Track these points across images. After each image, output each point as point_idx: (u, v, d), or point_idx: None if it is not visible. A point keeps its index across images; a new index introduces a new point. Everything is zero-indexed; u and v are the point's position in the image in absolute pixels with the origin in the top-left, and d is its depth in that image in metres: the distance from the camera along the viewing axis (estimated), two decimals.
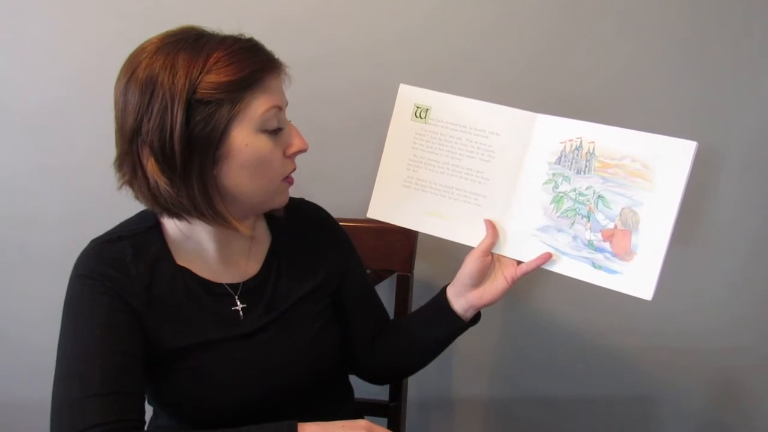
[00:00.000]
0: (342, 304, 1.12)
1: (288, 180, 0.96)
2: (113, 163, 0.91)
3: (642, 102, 1.40)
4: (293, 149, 0.95)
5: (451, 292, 1.06)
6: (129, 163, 0.88)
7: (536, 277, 1.48)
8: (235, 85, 0.85)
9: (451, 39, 1.38)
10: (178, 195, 0.87)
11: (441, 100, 1.04)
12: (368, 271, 1.27)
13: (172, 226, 0.97)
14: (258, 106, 0.88)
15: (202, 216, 0.90)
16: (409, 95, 1.06)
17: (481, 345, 1.60)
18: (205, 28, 0.90)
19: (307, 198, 1.15)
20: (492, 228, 1.01)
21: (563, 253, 0.98)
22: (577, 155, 0.97)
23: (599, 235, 0.96)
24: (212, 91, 0.84)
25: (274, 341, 1.01)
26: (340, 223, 1.16)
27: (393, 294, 1.38)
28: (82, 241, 0.97)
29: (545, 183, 0.99)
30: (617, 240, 0.94)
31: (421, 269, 1.45)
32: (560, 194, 0.98)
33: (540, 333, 1.58)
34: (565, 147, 0.98)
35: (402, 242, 1.34)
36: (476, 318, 1.08)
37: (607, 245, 0.95)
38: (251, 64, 0.87)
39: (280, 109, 0.91)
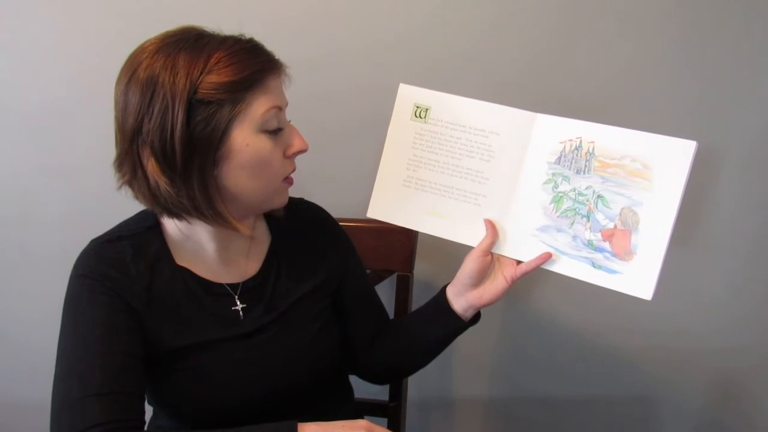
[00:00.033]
0: (342, 304, 1.12)
1: (288, 180, 0.97)
2: (113, 163, 0.91)
3: (642, 102, 1.40)
4: (293, 149, 0.95)
5: (450, 292, 1.06)
6: (129, 163, 0.88)
7: (536, 277, 1.48)
8: (235, 86, 0.85)
9: (451, 39, 1.38)
10: (179, 195, 0.87)
11: (441, 100, 1.04)
12: (368, 271, 1.27)
13: (171, 226, 0.97)
14: (258, 107, 0.88)
15: (203, 216, 0.90)
16: (408, 95, 1.06)
17: (481, 345, 1.60)
18: (205, 29, 0.90)
19: (307, 198, 1.15)
20: (492, 228, 1.01)
21: (563, 253, 0.98)
22: (577, 155, 0.97)
23: (599, 235, 0.96)
24: (213, 92, 0.84)
25: (274, 341, 1.01)
26: (340, 223, 1.16)
27: (393, 294, 1.38)
28: (82, 241, 0.97)
29: (545, 183, 0.99)
30: (617, 240, 0.95)
31: (421, 269, 1.45)
32: (560, 194, 0.98)
33: (540, 333, 1.58)
34: (564, 147, 0.98)
35: (402, 242, 1.34)
36: (476, 318, 1.08)
37: (606, 245, 0.95)
38: (252, 65, 0.87)
39: (280, 109, 0.91)
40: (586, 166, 0.96)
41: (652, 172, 0.92)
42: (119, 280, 0.92)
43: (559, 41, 1.38)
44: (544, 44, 1.38)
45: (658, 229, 0.92)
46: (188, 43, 0.86)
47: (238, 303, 1.00)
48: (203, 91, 0.84)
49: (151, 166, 0.86)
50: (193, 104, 0.84)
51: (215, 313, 0.98)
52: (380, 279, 1.37)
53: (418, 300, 1.22)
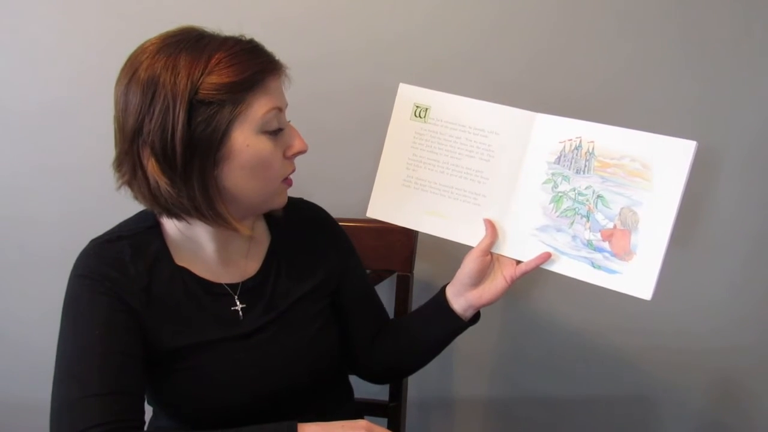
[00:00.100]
0: (342, 304, 1.12)
1: (287, 182, 0.97)
2: (112, 163, 0.91)
3: (642, 102, 1.40)
4: (293, 150, 0.95)
5: (450, 292, 1.06)
6: (129, 164, 0.88)
7: (536, 277, 1.48)
8: (236, 87, 0.86)
9: (451, 39, 1.38)
10: (179, 195, 0.87)
11: (440, 100, 1.04)
12: (368, 271, 1.27)
13: (171, 226, 0.97)
14: (259, 108, 0.88)
15: (203, 216, 0.90)
16: (408, 94, 1.06)
17: (481, 345, 1.60)
18: (206, 29, 0.90)
19: (307, 198, 1.15)
20: (491, 227, 1.01)
21: (562, 253, 0.98)
22: (577, 155, 0.97)
23: (598, 235, 0.96)
24: (214, 92, 0.84)
25: (274, 341, 1.01)
26: (340, 223, 1.16)
27: (393, 294, 1.38)
28: (82, 241, 0.97)
29: (544, 182, 0.99)
30: (616, 240, 0.94)
31: (421, 269, 1.45)
32: (559, 194, 0.98)
33: (540, 333, 1.58)
34: (564, 146, 0.98)
35: (402, 242, 1.34)
36: (476, 317, 1.08)
37: (606, 245, 0.95)
38: (253, 66, 0.88)
39: (280, 110, 0.92)
40: (585, 165, 0.96)
41: (651, 172, 0.92)
42: (119, 280, 0.92)
43: (559, 41, 1.38)
44: (544, 44, 1.38)
45: (658, 229, 0.92)
46: (189, 44, 0.86)
47: (238, 303, 1.00)
48: (204, 92, 0.84)
49: (151, 166, 0.86)
50: (193, 105, 0.84)
51: (215, 313, 0.98)
52: (380, 279, 1.37)
53: (418, 300, 1.22)
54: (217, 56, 0.85)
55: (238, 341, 0.98)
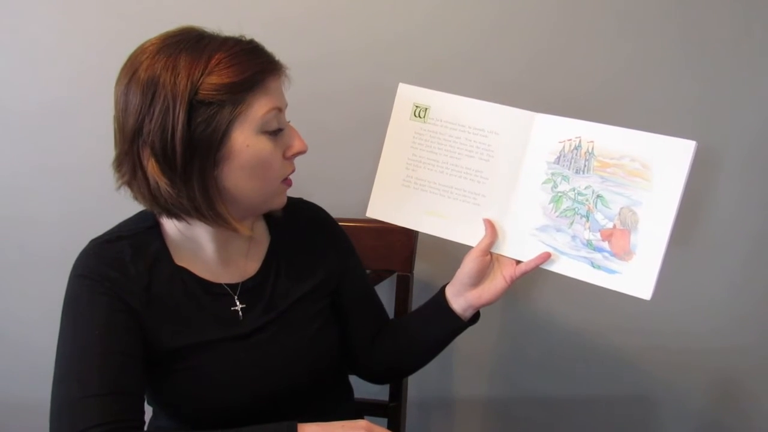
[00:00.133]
0: (341, 304, 1.12)
1: (286, 182, 0.97)
2: (112, 163, 0.91)
3: (642, 102, 1.40)
4: (293, 151, 0.95)
5: (450, 292, 1.06)
6: (129, 164, 0.88)
7: (535, 277, 1.48)
8: (236, 87, 0.86)
9: (451, 39, 1.39)
10: (179, 196, 0.87)
11: (440, 100, 1.04)
12: (368, 271, 1.27)
13: (171, 226, 0.97)
14: (259, 108, 0.88)
15: (203, 217, 0.90)
16: (408, 94, 1.06)
17: (481, 345, 1.60)
18: (205, 29, 0.90)
19: (307, 198, 1.15)
20: (491, 227, 1.01)
21: (562, 253, 0.98)
22: (576, 155, 0.97)
23: (598, 235, 0.96)
24: (214, 93, 0.84)
25: (274, 341, 1.01)
26: (340, 223, 1.16)
27: (393, 294, 1.38)
28: (82, 241, 0.97)
29: (544, 182, 0.99)
30: (616, 239, 0.94)
31: (421, 269, 1.45)
32: (559, 194, 0.98)
33: (539, 333, 1.58)
34: (564, 146, 0.98)
35: (402, 242, 1.34)
36: (475, 317, 1.08)
37: (605, 245, 0.95)
38: (253, 66, 0.88)
39: (280, 110, 0.92)
40: (585, 165, 0.96)
41: (651, 171, 0.92)
42: (118, 280, 0.92)
43: (559, 41, 1.38)
44: (544, 44, 1.38)
45: (658, 229, 0.92)
46: (189, 44, 0.86)
47: (238, 303, 1.00)
48: (204, 92, 0.84)
49: (151, 166, 0.86)
50: (194, 105, 0.84)
51: (214, 313, 0.98)
52: (380, 279, 1.37)
53: (418, 300, 1.22)
54: (217, 57, 0.85)
55: (237, 341, 0.98)
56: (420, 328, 1.10)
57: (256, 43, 0.92)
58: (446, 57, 1.39)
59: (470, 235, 1.04)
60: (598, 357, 1.59)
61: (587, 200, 0.96)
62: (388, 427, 1.30)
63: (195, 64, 0.84)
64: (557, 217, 0.98)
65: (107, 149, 0.92)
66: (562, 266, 0.99)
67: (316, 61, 1.38)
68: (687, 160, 0.90)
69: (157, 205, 0.90)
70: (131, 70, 0.86)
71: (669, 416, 1.63)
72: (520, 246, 1.01)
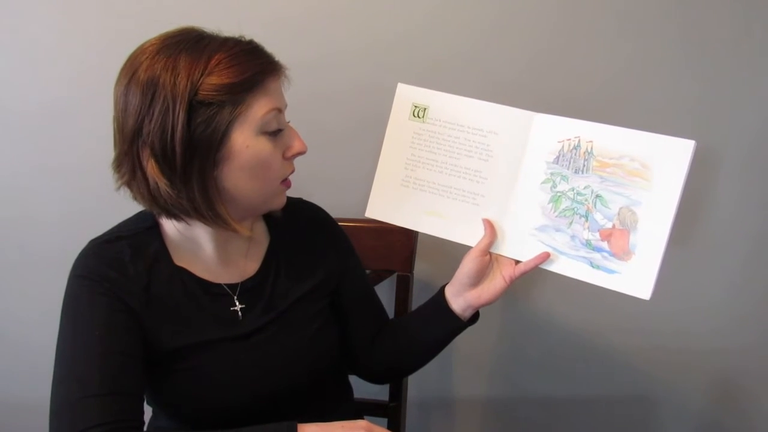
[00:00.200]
0: (341, 304, 1.12)
1: (286, 183, 0.97)
2: (111, 163, 0.91)
3: (642, 102, 1.40)
4: (292, 151, 0.95)
5: (449, 292, 1.06)
6: (128, 164, 0.88)
7: (535, 277, 1.48)
8: (236, 88, 0.86)
9: (451, 39, 1.39)
10: (178, 196, 0.87)
11: (439, 99, 1.04)
12: (368, 271, 1.27)
13: (170, 226, 0.97)
14: (259, 109, 0.88)
15: (202, 217, 0.90)
16: (407, 94, 1.06)
17: (481, 345, 1.60)
18: (205, 29, 0.90)
19: (307, 198, 1.15)
20: (490, 227, 1.01)
21: (561, 253, 0.98)
22: (575, 154, 0.97)
23: (597, 235, 0.96)
24: (214, 93, 0.84)
25: (273, 341, 1.01)
26: (340, 223, 1.16)
27: (393, 294, 1.38)
28: (82, 241, 0.97)
29: (543, 182, 0.99)
30: (615, 239, 0.94)
31: (421, 269, 1.45)
32: (558, 194, 0.98)
33: (539, 333, 1.58)
34: (563, 146, 0.98)
35: (402, 242, 1.34)
36: (475, 317, 1.08)
37: (605, 245, 0.95)
38: (252, 67, 0.88)
39: (280, 111, 0.92)
40: (584, 165, 0.96)
41: (650, 171, 0.92)
42: (118, 280, 0.92)
43: (559, 41, 1.38)
44: (544, 44, 1.38)
45: (657, 229, 0.92)
46: (189, 45, 0.86)
47: (237, 303, 1.00)
48: (204, 93, 0.84)
49: (150, 167, 0.86)
50: (193, 106, 0.84)
51: (214, 313, 0.98)
52: (380, 279, 1.37)
53: (418, 300, 1.22)
54: (216, 57, 0.85)
55: (237, 341, 0.98)
56: (419, 328, 1.10)
57: (255, 43, 0.92)
58: (446, 57, 1.39)
59: (469, 235, 1.04)
60: (598, 357, 1.59)
61: (586, 200, 0.96)
62: (388, 427, 1.31)
63: (195, 64, 0.84)
64: (556, 217, 0.98)
65: (107, 149, 0.92)
66: (561, 266, 0.99)
67: (316, 61, 1.39)
68: (686, 160, 0.90)
69: (157, 206, 0.90)
70: (131, 71, 0.86)
71: (669, 416, 1.63)
72: (520, 246, 1.01)
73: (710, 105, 1.40)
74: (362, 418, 0.89)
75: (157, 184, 0.86)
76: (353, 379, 1.20)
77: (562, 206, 0.98)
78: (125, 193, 0.92)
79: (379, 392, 1.37)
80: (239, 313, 1.00)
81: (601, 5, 1.35)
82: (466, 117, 1.03)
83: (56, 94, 1.45)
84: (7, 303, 1.61)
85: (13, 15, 1.40)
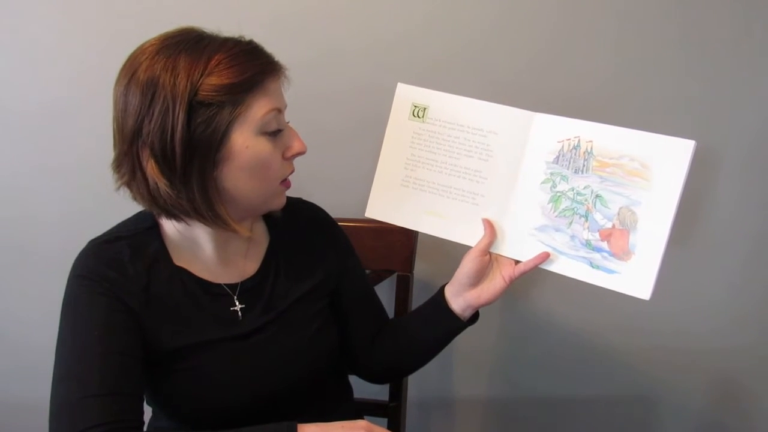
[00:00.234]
0: (341, 304, 1.12)
1: (285, 183, 0.97)
2: (111, 163, 0.91)
3: (642, 102, 1.40)
4: (292, 151, 0.95)
5: (449, 292, 1.06)
6: (128, 164, 0.88)
7: (534, 277, 1.48)
8: (236, 88, 0.86)
9: (451, 39, 1.38)
10: (178, 197, 0.87)
11: (439, 99, 1.04)
12: (368, 271, 1.27)
13: (170, 226, 0.97)
14: (258, 109, 0.88)
15: (202, 218, 0.90)
16: (406, 94, 1.06)
17: (481, 345, 1.60)
18: (205, 29, 0.90)
19: (306, 198, 1.15)
20: (490, 227, 1.01)
21: (561, 253, 0.98)
22: (575, 154, 0.97)
23: (597, 235, 0.96)
24: (213, 94, 0.84)
25: (273, 341, 1.01)
26: (340, 223, 1.16)
27: (393, 294, 1.38)
28: (82, 241, 0.97)
29: (543, 182, 0.99)
30: (615, 239, 0.94)
31: (421, 269, 1.45)
32: (558, 193, 0.98)
33: (539, 333, 1.58)
34: (563, 146, 0.98)
35: (402, 242, 1.34)
36: (474, 317, 1.08)
37: (604, 245, 0.95)
38: (252, 67, 0.88)
39: (279, 111, 0.92)
40: (584, 165, 0.96)
41: (650, 171, 0.92)
42: (117, 280, 0.92)
43: (559, 41, 1.38)
44: (544, 44, 1.38)
45: (657, 229, 0.92)
46: (188, 45, 0.86)
47: (237, 303, 1.00)
48: (204, 93, 0.84)
49: (150, 167, 0.86)
50: (193, 106, 0.84)
51: (214, 313, 0.98)
52: (380, 279, 1.37)
53: (418, 300, 1.22)
54: (216, 57, 0.85)
55: (237, 341, 0.98)
56: (419, 328, 1.10)
57: (255, 44, 0.92)
58: (446, 57, 1.39)
59: (469, 234, 1.04)
60: (598, 357, 1.59)
61: (586, 200, 0.96)
62: (388, 427, 1.31)
63: (194, 64, 0.84)
64: (556, 216, 0.98)
65: (107, 149, 0.92)
66: (560, 266, 0.99)
67: (316, 61, 1.39)
68: (686, 160, 0.90)
69: (157, 206, 0.90)
70: (130, 71, 0.86)
71: (669, 416, 1.63)
72: (519, 246, 1.01)
73: (710, 105, 1.40)
74: (362, 418, 0.89)
75: (156, 184, 0.86)
76: (353, 379, 1.20)
77: (562, 206, 0.98)
78: (125, 194, 0.92)
79: (379, 392, 1.37)
80: (239, 313, 1.00)
81: (601, 5, 1.35)
82: (466, 117, 1.03)
83: (56, 94, 1.45)
84: (7, 303, 1.61)
85: (13, 15, 1.40)
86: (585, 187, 0.96)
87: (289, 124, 0.96)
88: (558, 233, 0.98)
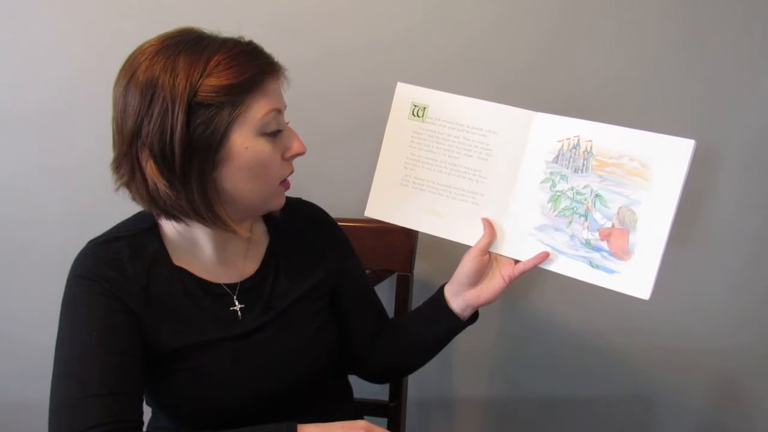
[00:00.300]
0: (341, 304, 1.12)
1: (284, 184, 0.97)
2: (110, 164, 0.91)
3: (642, 102, 1.40)
4: (292, 152, 0.95)
5: (448, 291, 1.06)
6: (127, 165, 0.88)
7: (534, 277, 1.48)
8: (235, 89, 0.86)
9: (451, 39, 1.38)
10: (177, 198, 0.87)
11: (438, 99, 1.04)
12: (368, 271, 1.27)
13: (169, 227, 0.97)
14: (258, 110, 0.88)
15: (201, 219, 0.90)
16: (406, 93, 1.06)
17: (481, 344, 1.60)
18: (204, 30, 0.90)
19: (306, 198, 1.15)
20: (489, 227, 1.01)
21: (561, 252, 0.98)
22: (575, 154, 0.97)
23: (597, 234, 0.96)
24: (213, 94, 0.84)
25: (273, 341, 1.01)
26: (339, 223, 1.16)
27: (393, 294, 1.38)
28: (82, 241, 0.97)
29: (543, 182, 0.99)
30: (615, 239, 0.94)
31: (420, 269, 1.45)
32: (558, 193, 0.98)
33: (539, 333, 1.58)
34: (562, 145, 0.98)
35: (402, 242, 1.34)
36: (474, 317, 1.07)
37: (604, 244, 0.95)
38: (252, 68, 0.87)
39: (279, 112, 0.92)
40: (584, 165, 0.96)
41: (650, 171, 0.92)
42: (116, 280, 0.92)
43: (559, 41, 1.38)
44: (544, 44, 1.38)
45: (657, 229, 0.92)
46: (188, 45, 0.86)
47: (237, 303, 1.00)
48: (203, 94, 0.84)
49: (149, 168, 0.86)
50: (192, 107, 0.84)
51: (214, 313, 0.98)
52: (380, 279, 1.37)
53: (418, 300, 1.22)
54: (216, 58, 0.85)
55: (237, 341, 0.98)
56: (419, 328, 1.10)
57: (255, 44, 0.91)
58: (446, 57, 1.39)
59: (469, 234, 1.03)
60: (598, 357, 1.59)
61: (586, 199, 0.96)
62: (388, 427, 1.31)
63: (194, 65, 0.84)
64: (556, 216, 0.98)
65: (107, 149, 0.92)
66: (560, 266, 0.99)
67: (316, 61, 1.38)
68: (686, 160, 0.90)
69: (156, 207, 0.90)
70: (130, 72, 0.86)
71: (669, 416, 1.63)
72: (519, 245, 1.01)
73: (710, 105, 1.40)
74: (362, 418, 0.89)
75: (156, 185, 0.86)
76: (353, 379, 1.20)
77: (562, 206, 0.98)
78: (124, 194, 0.92)
79: (379, 392, 1.37)
80: (239, 312, 1.00)
81: (601, 5, 1.35)
82: (466, 116, 1.03)
83: (56, 94, 1.45)
84: (7, 303, 1.61)
85: (13, 15, 1.40)
86: (585, 187, 0.96)
87: (289, 125, 0.96)
88: (557, 233, 0.98)
